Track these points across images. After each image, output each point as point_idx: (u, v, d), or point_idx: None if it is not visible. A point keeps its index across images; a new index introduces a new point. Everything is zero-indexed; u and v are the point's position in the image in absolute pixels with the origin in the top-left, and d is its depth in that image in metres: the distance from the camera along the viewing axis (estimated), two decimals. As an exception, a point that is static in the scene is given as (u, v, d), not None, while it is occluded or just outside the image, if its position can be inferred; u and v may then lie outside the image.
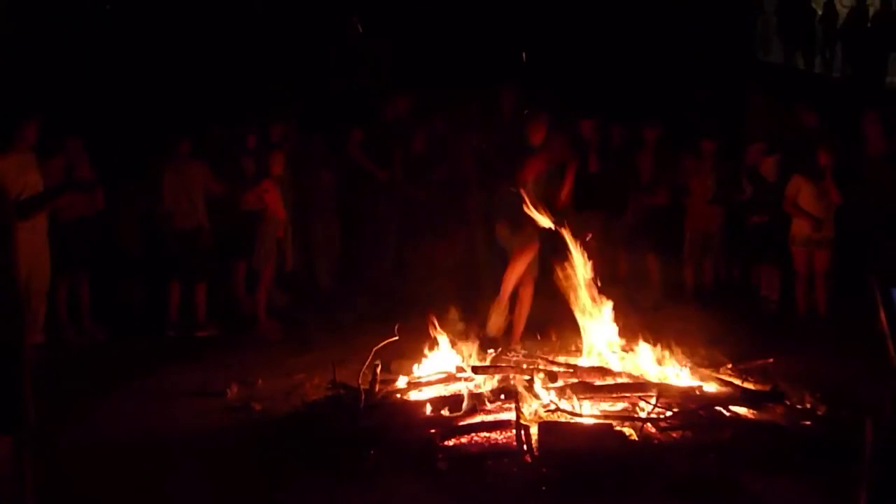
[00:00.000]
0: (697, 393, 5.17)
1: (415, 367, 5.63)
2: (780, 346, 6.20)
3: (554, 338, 6.44)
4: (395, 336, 5.63)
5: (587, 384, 5.19)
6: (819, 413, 5.00)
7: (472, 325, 6.04)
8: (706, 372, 5.49)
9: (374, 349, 5.49)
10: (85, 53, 9.91)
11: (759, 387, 5.26)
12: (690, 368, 5.50)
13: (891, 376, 1.38)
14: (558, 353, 6.11)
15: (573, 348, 6.10)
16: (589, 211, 8.03)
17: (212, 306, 7.64)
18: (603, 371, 5.40)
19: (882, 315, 1.36)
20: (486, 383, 5.25)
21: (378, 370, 5.40)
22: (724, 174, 8.27)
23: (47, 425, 5.00)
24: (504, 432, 4.70)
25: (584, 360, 5.67)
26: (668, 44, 11.84)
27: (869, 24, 14.14)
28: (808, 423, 4.85)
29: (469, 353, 5.58)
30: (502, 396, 5.03)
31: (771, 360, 5.75)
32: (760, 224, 7.98)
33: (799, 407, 5.07)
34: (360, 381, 5.25)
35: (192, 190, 7.40)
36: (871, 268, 1.57)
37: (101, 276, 7.44)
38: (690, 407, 4.95)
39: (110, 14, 10.98)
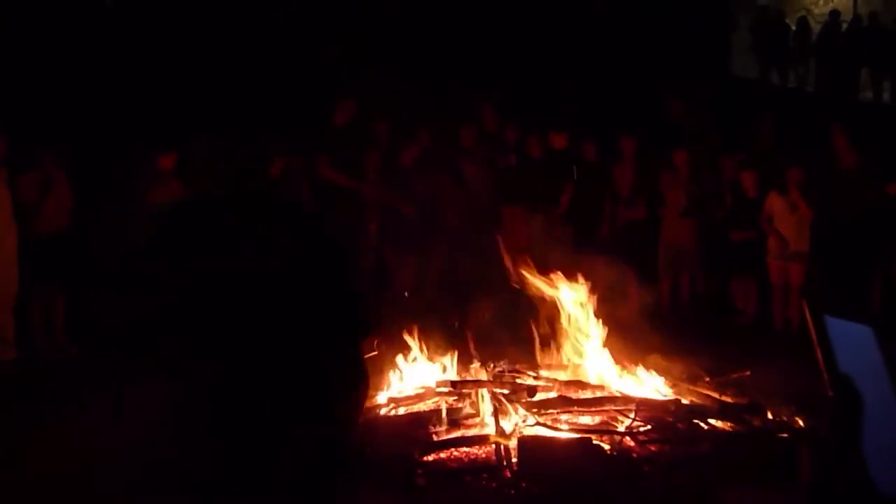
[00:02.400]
0: (675, 406, 5.19)
1: (394, 381, 5.61)
2: (757, 359, 6.24)
3: (537, 352, 6.43)
4: (375, 351, 5.60)
5: (566, 398, 5.20)
6: (796, 426, 5.04)
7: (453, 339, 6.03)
8: (684, 385, 5.52)
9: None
10: (61, 66, 9.84)
11: (736, 400, 5.29)
12: (668, 382, 5.53)
13: (826, 404, 1.40)
14: (538, 367, 6.11)
15: (553, 362, 6.10)
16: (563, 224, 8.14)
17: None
18: (581, 385, 5.41)
19: (815, 344, 1.38)
20: (466, 398, 5.24)
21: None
22: (700, 187, 8.34)
23: (19, 440, 5.01)
24: (483, 447, 4.70)
25: (563, 374, 5.68)
26: (644, 58, 11.95)
27: (841, 41, 14.36)
28: (785, 435, 4.89)
29: (449, 368, 5.57)
30: (481, 411, 5.02)
31: (748, 372, 5.79)
32: (744, 240, 8.04)
33: (776, 419, 5.11)
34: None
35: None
36: (804, 292, 1.56)
37: (77, 291, 7.36)
38: (668, 420, 4.98)
39: (88, 26, 10.91)
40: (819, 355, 1.38)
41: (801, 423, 5.01)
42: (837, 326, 1.33)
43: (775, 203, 7.69)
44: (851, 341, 1.31)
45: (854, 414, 1.30)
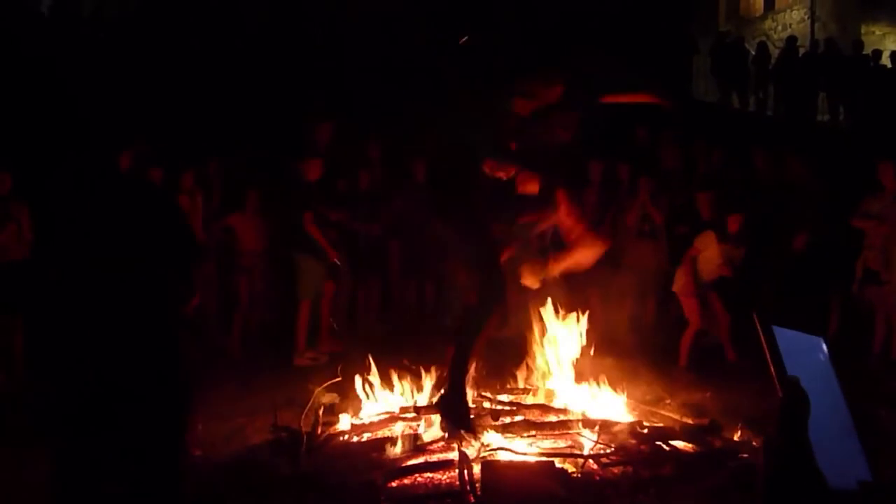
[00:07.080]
0: (638, 428, 5.23)
1: (357, 407, 5.59)
2: (717, 380, 6.31)
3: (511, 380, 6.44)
4: (339, 377, 5.59)
5: (529, 421, 5.23)
6: (755, 445, 5.09)
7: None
8: (646, 407, 5.57)
9: (317, 391, 5.45)
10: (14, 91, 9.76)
11: (697, 421, 5.35)
12: (631, 404, 5.57)
13: (777, 407, 1.46)
14: (502, 391, 6.12)
15: (517, 386, 6.13)
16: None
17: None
18: (545, 408, 5.44)
19: (765, 350, 1.45)
20: (430, 423, 5.24)
21: (321, 412, 5.35)
22: (655, 209, 8.40)
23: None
24: (447, 472, 4.69)
25: (527, 398, 5.70)
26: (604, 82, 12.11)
27: (798, 66, 14.69)
28: (744, 455, 4.94)
29: (413, 393, 5.57)
30: (445, 436, 5.02)
31: (708, 394, 5.86)
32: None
33: (736, 440, 5.17)
34: (302, 424, 5.20)
35: None
36: (753, 306, 1.62)
37: (37, 321, 7.24)
38: (631, 442, 5.01)
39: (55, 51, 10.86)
40: (769, 361, 1.45)
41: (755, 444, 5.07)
42: (789, 336, 1.40)
43: (707, 234, 7.61)
44: (802, 350, 1.37)
45: (801, 412, 1.36)
